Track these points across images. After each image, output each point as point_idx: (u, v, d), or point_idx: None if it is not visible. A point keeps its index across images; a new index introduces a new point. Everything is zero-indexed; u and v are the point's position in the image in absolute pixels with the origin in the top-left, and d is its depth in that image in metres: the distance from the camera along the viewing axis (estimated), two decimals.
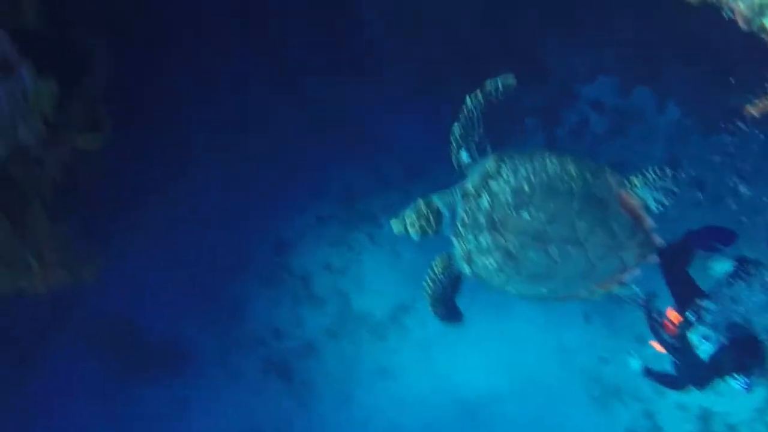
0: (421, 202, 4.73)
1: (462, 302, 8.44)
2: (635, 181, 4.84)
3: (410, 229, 4.74)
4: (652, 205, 4.84)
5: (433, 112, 7.88)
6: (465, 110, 4.78)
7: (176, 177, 9.32)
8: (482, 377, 8.86)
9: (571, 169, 4.68)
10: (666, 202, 4.84)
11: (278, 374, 9.04)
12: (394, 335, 8.89)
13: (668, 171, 4.86)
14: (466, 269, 4.79)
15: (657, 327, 5.45)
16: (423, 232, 4.74)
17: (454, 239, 4.78)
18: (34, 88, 4.32)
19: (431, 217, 4.70)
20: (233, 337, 9.28)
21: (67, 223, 4.88)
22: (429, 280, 4.96)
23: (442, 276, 4.93)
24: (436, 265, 4.93)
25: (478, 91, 4.77)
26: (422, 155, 9.05)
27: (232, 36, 9.12)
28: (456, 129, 4.79)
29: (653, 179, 4.85)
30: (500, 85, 4.83)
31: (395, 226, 4.79)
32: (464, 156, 4.79)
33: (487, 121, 4.82)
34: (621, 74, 8.94)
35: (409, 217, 4.72)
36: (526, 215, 4.57)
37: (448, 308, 5.24)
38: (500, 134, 5.18)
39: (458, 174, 4.83)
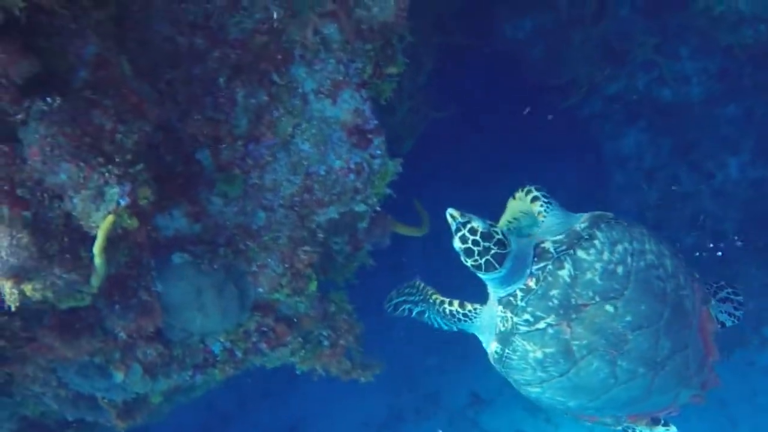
0: (498, 230, 3.40)
1: None
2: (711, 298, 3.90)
3: (462, 235, 3.35)
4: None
5: None
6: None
7: None
8: None
9: (668, 264, 3.55)
10: (726, 323, 3.99)
11: None
12: None
13: (740, 293, 4.05)
14: (496, 348, 3.58)
15: None
16: (468, 254, 3.36)
17: (497, 306, 3.55)
18: (383, 164, 4.11)
19: (493, 251, 3.33)
20: None
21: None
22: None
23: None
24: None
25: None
26: None
27: None
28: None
29: (726, 297, 4.00)
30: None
31: (452, 216, 3.40)
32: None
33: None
34: None
35: (475, 227, 3.35)
36: (610, 309, 3.40)
37: None
38: None
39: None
